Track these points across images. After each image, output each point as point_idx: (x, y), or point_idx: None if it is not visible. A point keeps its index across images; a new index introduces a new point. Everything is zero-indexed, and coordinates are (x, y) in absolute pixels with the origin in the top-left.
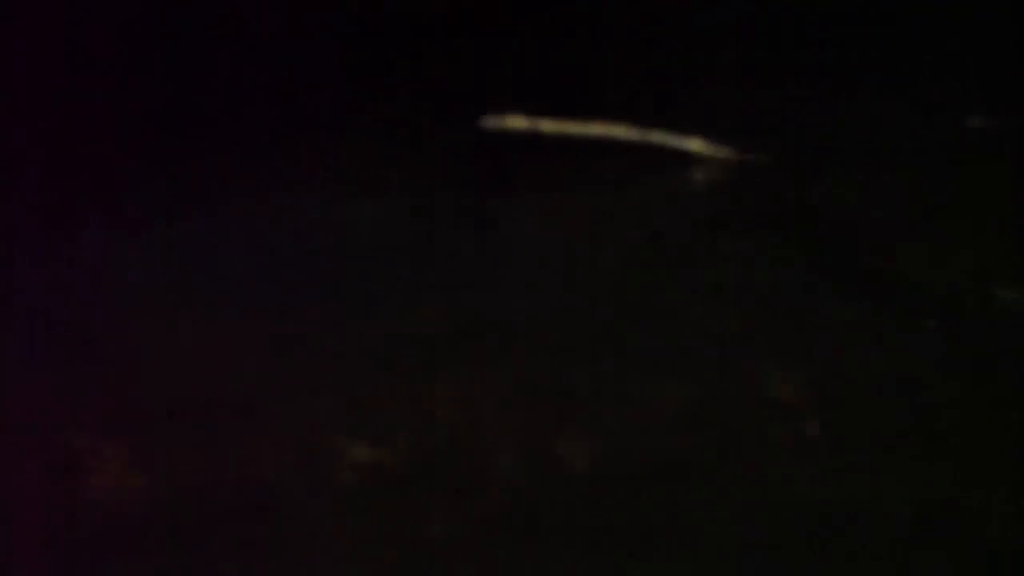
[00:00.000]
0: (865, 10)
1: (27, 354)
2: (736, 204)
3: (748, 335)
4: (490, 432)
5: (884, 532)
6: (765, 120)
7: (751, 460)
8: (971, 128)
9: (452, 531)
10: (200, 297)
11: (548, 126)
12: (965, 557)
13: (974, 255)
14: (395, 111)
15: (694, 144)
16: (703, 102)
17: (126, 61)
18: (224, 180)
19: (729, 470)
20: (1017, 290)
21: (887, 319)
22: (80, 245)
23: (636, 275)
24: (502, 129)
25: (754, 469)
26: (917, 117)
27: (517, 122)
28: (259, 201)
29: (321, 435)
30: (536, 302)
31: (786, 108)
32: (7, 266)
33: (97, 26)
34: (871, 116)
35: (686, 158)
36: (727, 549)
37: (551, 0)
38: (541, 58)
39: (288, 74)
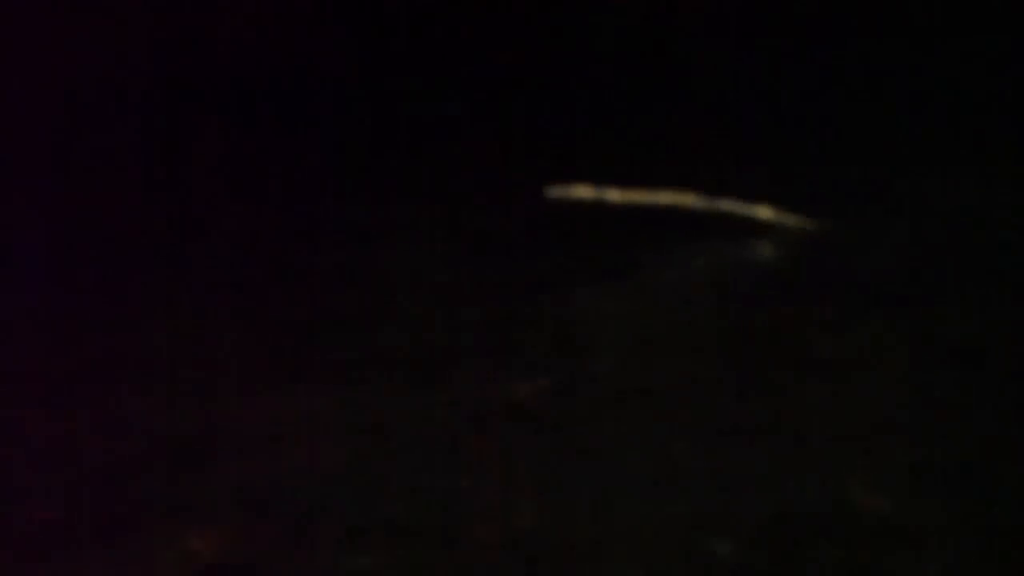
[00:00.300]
0: (932, 84)
1: None
2: (807, 272)
3: (854, 410)
4: (589, 522)
5: None
6: (833, 188)
7: None
8: None
9: None
10: None
11: (615, 195)
12: None
13: None
14: (463, 181)
15: (763, 212)
16: (771, 170)
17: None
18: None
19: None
20: None
21: (987, 387)
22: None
23: (716, 347)
24: (569, 199)
25: None
26: (978, 186)
27: (584, 192)
28: (334, 263)
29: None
30: (616, 376)
31: (853, 176)
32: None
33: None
34: (937, 184)
35: (755, 226)
36: None
37: (619, 69)
38: (608, 127)
39: (361, 144)
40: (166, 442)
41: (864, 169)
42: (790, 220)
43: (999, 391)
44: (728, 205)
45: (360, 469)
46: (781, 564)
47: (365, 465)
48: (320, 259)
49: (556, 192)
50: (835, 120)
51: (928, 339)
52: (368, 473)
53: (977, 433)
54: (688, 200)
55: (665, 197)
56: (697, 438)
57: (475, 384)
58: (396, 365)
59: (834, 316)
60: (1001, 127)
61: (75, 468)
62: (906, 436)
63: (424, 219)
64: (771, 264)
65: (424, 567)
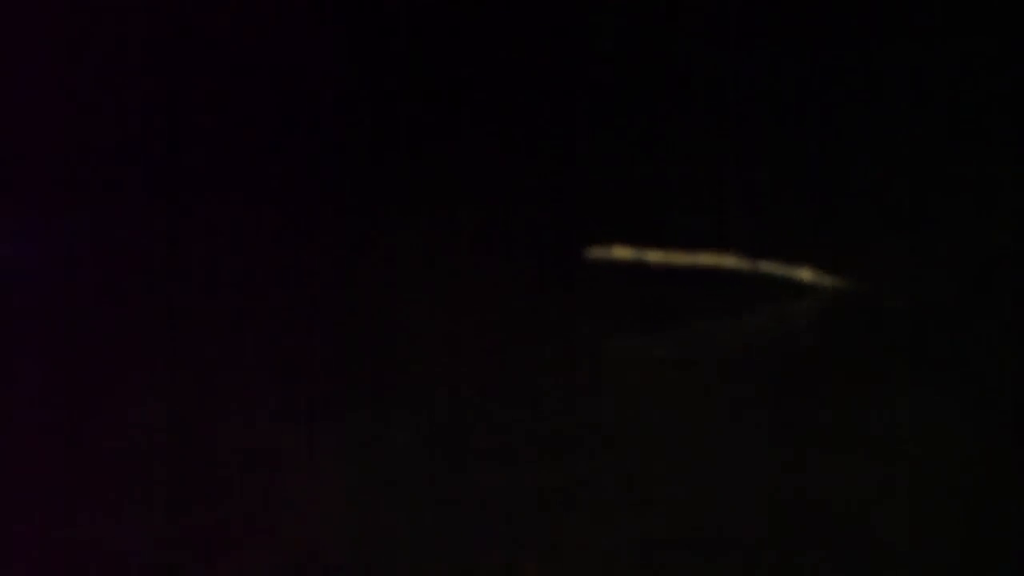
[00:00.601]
0: (968, 146)
1: None
2: (848, 335)
3: (909, 494)
4: None
5: None
6: (876, 250)
7: None
8: None
9: None
10: None
11: (655, 256)
12: None
13: None
14: (503, 243)
15: (804, 274)
16: (811, 231)
17: None
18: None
19: None
20: None
21: None
22: None
23: (757, 417)
24: (609, 260)
25: None
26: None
27: (623, 253)
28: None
29: None
30: (647, 442)
31: (898, 238)
32: None
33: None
34: (983, 248)
35: (796, 288)
36: None
37: (657, 129)
38: (648, 187)
39: (397, 207)
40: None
41: (895, 217)
42: (829, 281)
43: None
44: (767, 266)
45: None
46: None
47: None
48: (346, 295)
49: (596, 253)
50: (867, 174)
51: (980, 406)
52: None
53: None
54: (728, 261)
55: (705, 258)
56: (737, 520)
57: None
58: (421, 411)
59: (880, 384)
60: None
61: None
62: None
63: (454, 266)
64: (810, 327)
65: None
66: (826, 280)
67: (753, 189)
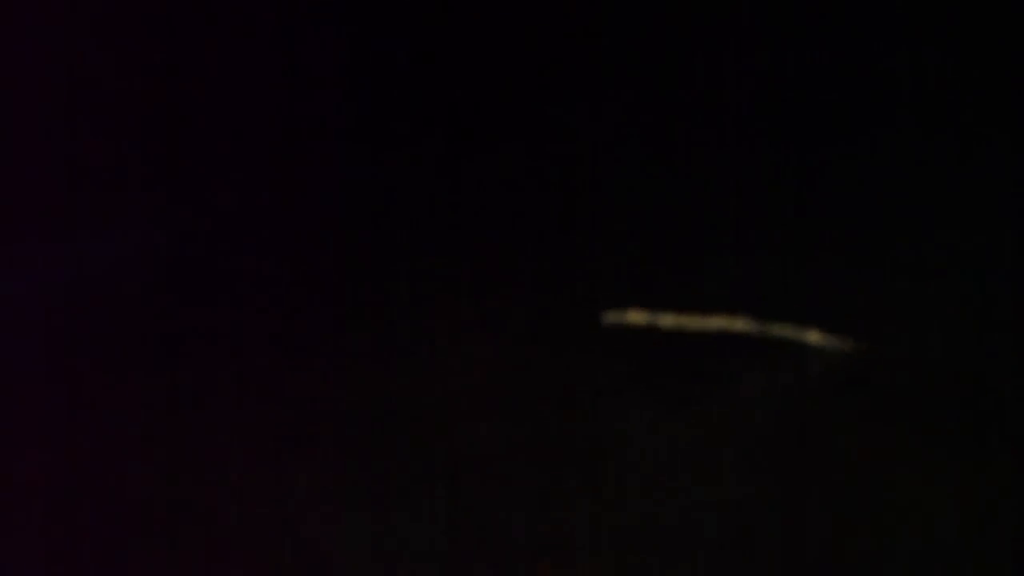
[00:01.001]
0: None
1: None
2: (861, 398)
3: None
4: None
5: None
6: (891, 309)
7: None
8: None
9: None
10: None
11: (668, 321)
12: None
13: None
14: (518, 309)
15: (813, 336)
16: (821, 291)
17: None
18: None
19: None
20: None
21: None
22: None
23: (776, 481)
24: (623, 324)
25: None
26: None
27: (637, 317)
28: (369, 352)
29: None
30: (664, 510)
31: (916, 298)
32: None
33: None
34: (1000, 309)
35: (807, 350)
36: None
37: (667, 193)
38: (658, 249)
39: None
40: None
41: (899, 274)
42: (838, 342)
43: None
44: (777, 329)
45: None
46: None
47: None
48: (356, 344)
49: (611, 318)
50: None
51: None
52: None
53: None
54: (738, 324)
55: (716, 322)
56: None
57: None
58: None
59: (897, 450)
60: None
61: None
62: None
63: (464, 330)
64: (823, 391)
65: None
66: (833, 341)
67: (751, 242)
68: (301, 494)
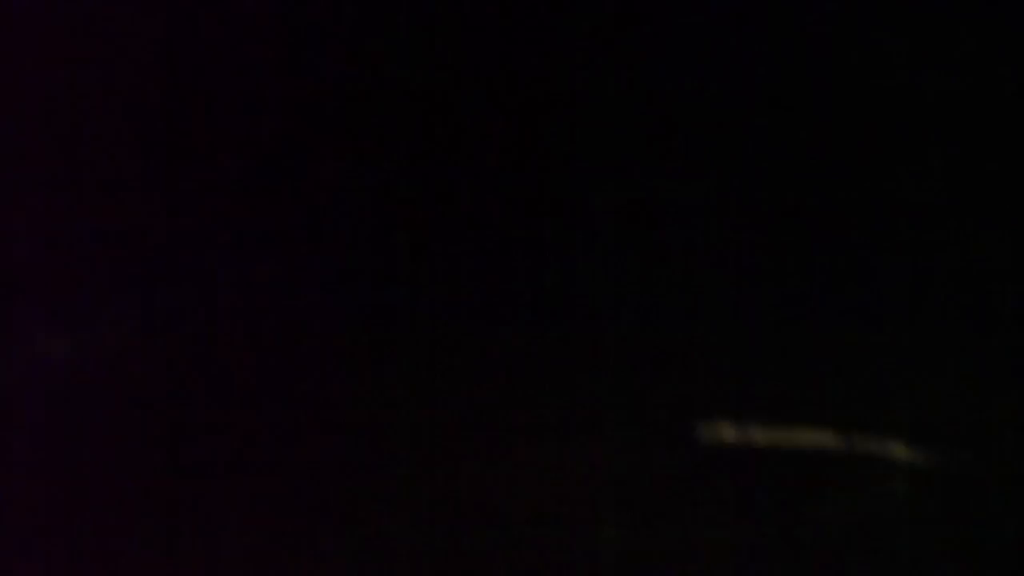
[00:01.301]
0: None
1: None
2: (955, 523)
3: None
4: None
5: None
6: (985, 423)
7: None
8: None
9: None
10: None
11: (760, 437)
12: None
13: None
14: (609, 427)
15: (898, 450)
16: (911, 402)
17: None
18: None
19: None
20: None
21: None
22: None
23: None
24: (716, 442)
25: None
26: None
27: (729, 433)
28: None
29: None
30: None
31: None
32: None
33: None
34: None
35: (894, 466)
36: None
37: (754, 306)
38: (746, 354)
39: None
40: None
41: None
42: (927, 458)
43: None
44: (866, 444)
45: None
46: None
47: None
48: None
49: (704, 434)
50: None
51: None
52: None
53: None
54: (828, 440)
55: (804, 437)
56: None
57: None
58: None
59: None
60: None
61: None
62: None
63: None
64: (915, 514)
65: None
66: (922, 456)
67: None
68: None
